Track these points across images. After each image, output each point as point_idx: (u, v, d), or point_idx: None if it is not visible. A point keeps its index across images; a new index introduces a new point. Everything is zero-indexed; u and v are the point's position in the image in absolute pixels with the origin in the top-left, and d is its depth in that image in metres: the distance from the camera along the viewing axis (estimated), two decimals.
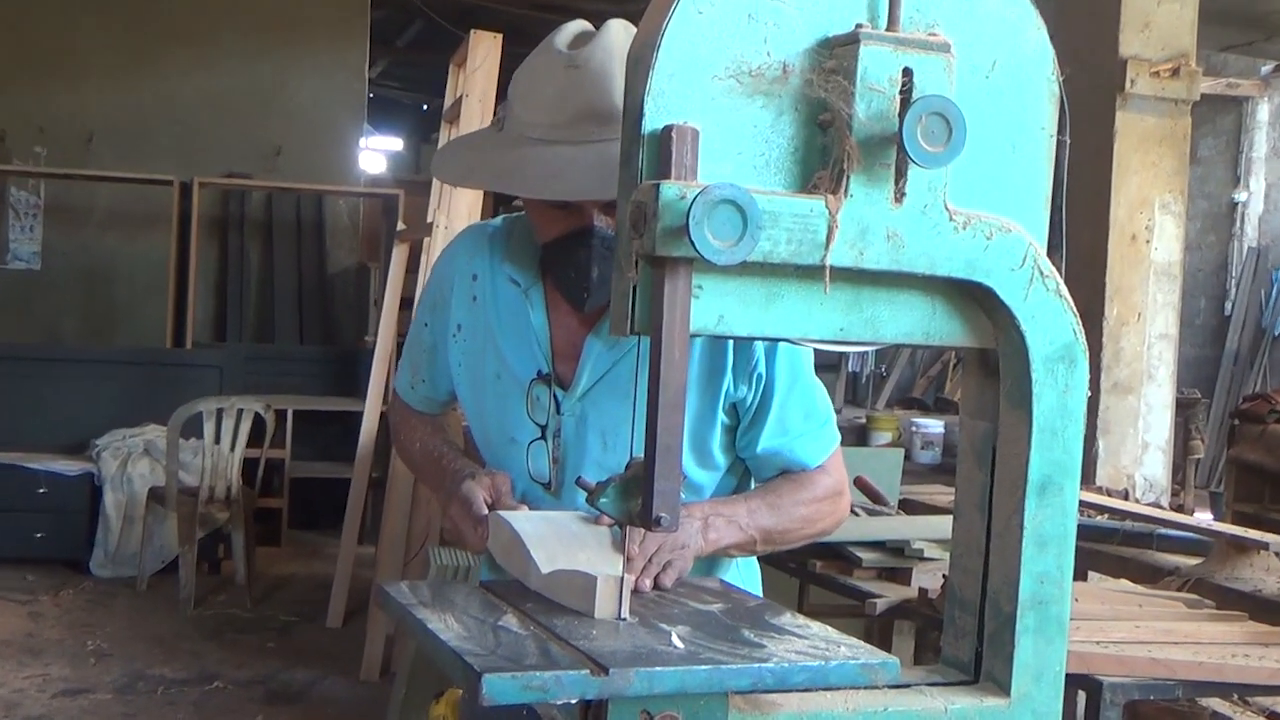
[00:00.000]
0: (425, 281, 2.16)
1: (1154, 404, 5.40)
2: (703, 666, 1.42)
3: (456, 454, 2.10)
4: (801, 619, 1.67)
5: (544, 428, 1.98)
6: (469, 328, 2.04)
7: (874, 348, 1.57)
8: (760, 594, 2.11)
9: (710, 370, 1.94)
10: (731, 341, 1.92)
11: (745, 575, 2.13)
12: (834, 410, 2.07)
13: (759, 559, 2.14)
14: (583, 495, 1.68)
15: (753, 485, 2.06)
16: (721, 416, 1.97)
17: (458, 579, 4.18)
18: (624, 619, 1.59)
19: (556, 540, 1.76)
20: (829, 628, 1.62)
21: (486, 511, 1.88)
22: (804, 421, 2.00)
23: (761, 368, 1.94)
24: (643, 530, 1.69)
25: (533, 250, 1.96)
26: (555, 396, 1.98)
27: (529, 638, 1.51)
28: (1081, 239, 5.29)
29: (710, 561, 2.02)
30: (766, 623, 1.64)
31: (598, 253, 1.82)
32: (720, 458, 2.01)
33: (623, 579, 1.61)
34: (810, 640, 1.56)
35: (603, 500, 1.63)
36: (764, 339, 1.81)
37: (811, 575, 3.61)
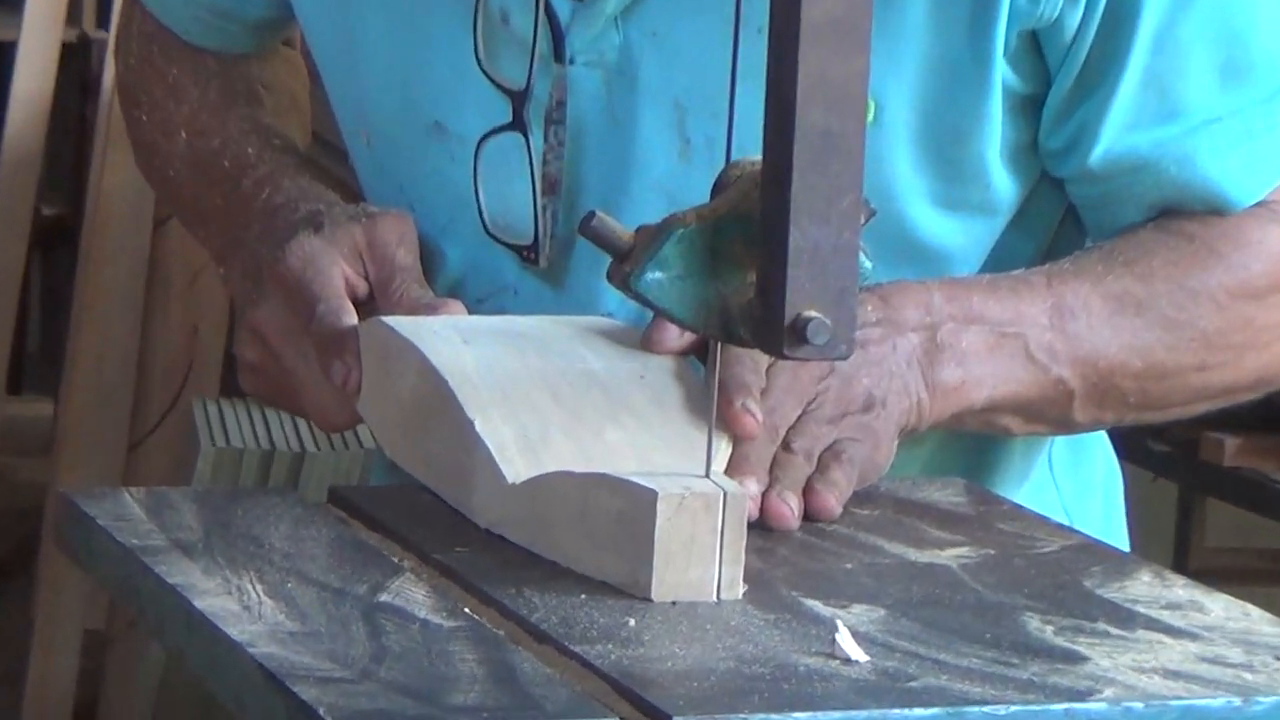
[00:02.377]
0: None
1: None
2: (920, 710, 1.19)
3: (284, 160, 1.87)
4: (1183, 584, 1.47)
5: (522, 95, 1.72)
6: None
7: None
8: (1123, 528, 1.93)
9: None
10: None
11: (1079, 481, 1.90)
12: None
13: (1111, 440, 1.95)
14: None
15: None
16: (1003, 70, 1.69)
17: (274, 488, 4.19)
18: (720, 600, 1.36)
19: (544, 394, 1.53)
20: (1251, 607, 1.42)
21: (354, 319, 1.62)
22: (1219, 87, 1.70)
23: None
24: (764, 361, 1.47)
25: None
26: (552, 11, 1.72)
27: (462, 637, 1.29)
28: None
29: (960, 448, 1.80)
30: (1089, 594, 1.44)
31: None
32: (1000, 179, 1.74)
33: (724, 495, 1.34)
34: (1203, 640, 1.35)
35: (648, 274, 1.36)
36: None
37: (1210, 475, 3.54)
